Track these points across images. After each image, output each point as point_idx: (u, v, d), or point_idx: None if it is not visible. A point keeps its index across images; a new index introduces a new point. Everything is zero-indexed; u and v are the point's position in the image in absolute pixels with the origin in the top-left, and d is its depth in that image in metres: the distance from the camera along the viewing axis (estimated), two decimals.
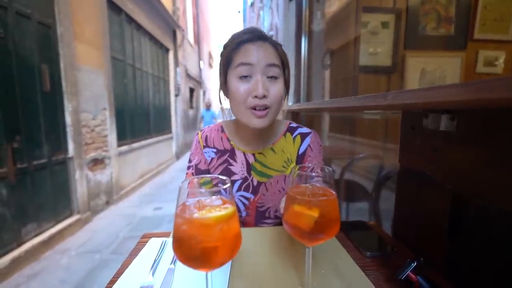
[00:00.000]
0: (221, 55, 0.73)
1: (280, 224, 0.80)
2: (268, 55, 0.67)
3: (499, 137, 0.46)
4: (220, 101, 0.76)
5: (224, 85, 0.73)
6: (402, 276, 0.48)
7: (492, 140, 0.47)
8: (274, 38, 0.77)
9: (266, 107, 0.67)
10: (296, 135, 0.81)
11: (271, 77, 0.67)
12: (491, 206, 0.48)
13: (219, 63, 0.74)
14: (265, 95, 0.66)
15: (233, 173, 0.80)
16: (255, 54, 0.66)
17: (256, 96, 0.65)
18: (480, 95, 0.33)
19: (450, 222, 0.54)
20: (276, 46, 0.70)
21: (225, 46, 0.72)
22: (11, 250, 2.18)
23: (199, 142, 0.82)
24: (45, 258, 2.38)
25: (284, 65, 0.71)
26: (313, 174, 0.44)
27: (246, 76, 0.67)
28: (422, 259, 0.48)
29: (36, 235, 2.45)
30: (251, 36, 0.68)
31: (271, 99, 0.67)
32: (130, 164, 4.48)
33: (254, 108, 0.67)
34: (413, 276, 0.47)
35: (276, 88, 0.68)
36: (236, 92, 0.68)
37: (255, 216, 0.80)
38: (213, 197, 0.37)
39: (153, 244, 0.67)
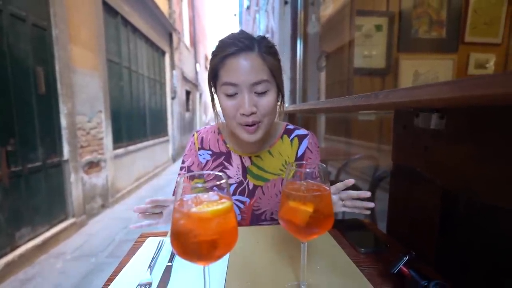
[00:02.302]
0: (210, 62, 0.70)
1: (277, 220, 0.81)
2: (254, 71, 0.63)
3: (486, 134, 0.48)
4: (213, 106, 0.75)
5: (214, 94, 0.72)
6: (395, 270, 0.49)
7: (479, 137, 0.49)
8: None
9: (255, 123, 0.66)
10: (293, 138, 0.80)
11: (259, 91, 0.65)
12: (479, 201, 0.50)
13: (208, 70, 0.72)
14: (253, 112, 0.64)
15: (228, 177, 0.79)
16: (239, 72, 0.63)
17: (243, 114, 0.64)
18: (464, 93, 0.34)
19: (441, 217, 0.55)
20: (264, 56, 0.64)
21: (213, 55, 0.68)
22: (4, 254, 2.15)
23: (194, 143, 0.81)
24: (39, 263, 2.35)
25: (274, 76, 0.66)
26: (308, 170, 0.45)
27: (233, 94, 0.65)
28: (414, 253, 0.49)
29: (30, 239, 2.42)
30: (236, 49, 0.63)
31: (260, 114, 0.65)
32: (126, 167, 4.46)
33: (245, 124, 0.66)
34: (405, 269, 0.48)
35: (266, 101, 0.65)
36: (224, 108, 0.67)
37: (251, 219, 0.80)
38: (210, 193, 0.38)
39: (151, 243, 0.68)
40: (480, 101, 0.36)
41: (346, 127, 2.15)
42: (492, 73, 1.65)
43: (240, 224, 0.81)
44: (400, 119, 0.69)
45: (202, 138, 0.82)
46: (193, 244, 0.34)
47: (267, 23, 4.48)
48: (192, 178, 0.42)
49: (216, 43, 0.69)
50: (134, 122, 4.99)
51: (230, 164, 0.79)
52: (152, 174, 5.69)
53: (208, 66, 0.71)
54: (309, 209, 0.42)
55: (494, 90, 0.31)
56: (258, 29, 6.40)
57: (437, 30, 1.69)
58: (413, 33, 1.68)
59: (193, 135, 0.83)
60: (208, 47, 17.66)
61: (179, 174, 0.82)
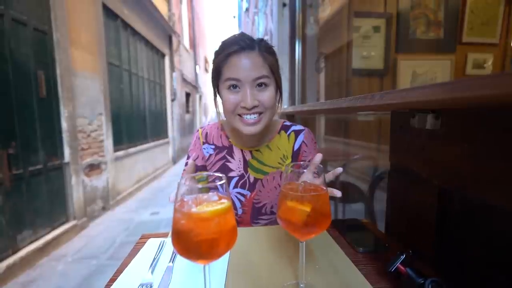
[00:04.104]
0: (213, 62, 0.75)
1: (276, 221, 0.82)
2: (255, 68, 0.68)
3: (480, 134, 0.49)
4: (216, 105, 0.79)
5: (217, 92, 0.76)
6: (392, 269, 0.50)
7: (473, 137, 0.50)
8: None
9: (259, 113, 0.70)
10: (290, 132, 0.84)
11: (260, 85, 0.69)
12: (474, 199, 0.51)
13: (211, 70, 0.76)
14: (255, 105, 0.69)
15: (230, 170, 0.82)
16: (242, 68, 0.67)
17: (245, 107, 0.68)
18: (456, 94, 0.35)
19: (438, 216, 0.56)
20: (264, 55, 0.69)
21: (216, 54, 0.73)
22: (6, 257, 2.15)
23: (199, 138, 0.86)
24: (40, 265, 2.35)
25: (273, 72, 0.71)
26: (305, 171, 0.46)
27: (235, 87, 0.69)
28: (410, 251, 0.50)
29: (31, 242, 2.43)
30: (238, 47, 0.68)
31: (262, 106, 0.70)
32: (127, 169, 4.47)
33: (245, 115, 0.70)
34: (402, 268, 0.49)
35: (266, 95, 0.70)
36: (226, 102, 0.71)
37: (251, 213, 0.82)
38: (210, 193, 0.39)
39: (152, 244, 0.69)
40: (473, 102, 0.37)
41: (345, 127, 2.16)
42: (490, 73, 1.67)
43: (241, 217, 0.83)
44: (396, 120, 0.70)
45: (207, 133, 0.86)
46: (194, 243, 0.35)
47: (266, 25, 4.50)
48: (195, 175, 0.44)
49: (219, 44, 0.74)
50: (135, 124, 5.01)
51: (232, 157, 0.83)
52: (153, 176, 5.69)
53: (211, 66, 0.76)
54: (307, 208, 0.43)
55: (486, 91, 0.32)
56: (257, 31, 6.42)
57: (435, 30, 1.70)
58: (411, 34, 1.69)
59: (198, 130, 0.87)
60: (208, 49, 17.70)
61: (184, 169, 0.85)
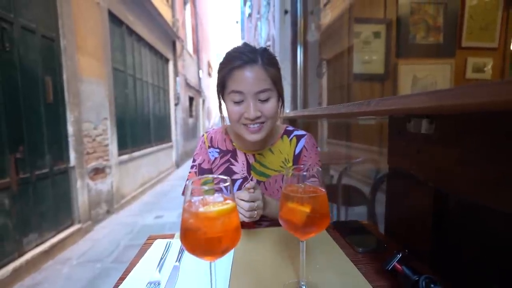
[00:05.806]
0: (218, 74, 0.78)
1: (278, 222, 0.84)
2: (258, 81, 0.71)
3: (471, 139, 0.51)
4: (220, 111, 0.83)
5: (222, 101, 0.80)
6: (389, 267, 0.52)
7: (466, 141, 0.52)
8: (270, 49, 0.80)
9: (261, 122, 0.74)
10: (292, 137, 0.87)
11: (263, 99, 0.73)
12: (467, 201, 0.53)
13: (216, 81, 0.80)
14: (257, 116, 0.72)
15: (234, 173, 0.85)
16: (245, 82, 0.71)
17: (248, 118, 0.72)
18: (445, 102, 0.38)
19: (433, 217, 0.58)
20: (266, 68, 0.72)
21: (221, 67, 0.76)
22: (12, 260, 2.19)
23: (204, 142, 0.89)
24: (46, 268, 2.39)
25: (276, 84, 0.74)
26: (305, 173, 0.49)
27: (239, 98, 0.73)
28: (407, 251, 0.52)
29: (37, 245, 2.46)
30: (241, 62, 0.71)
31: (265, 117, 0.74)
32: (131, 173, 4.51)
33: (249, 125, 0.74)
34: (398, 266, 0.51)
35: (269, 106, 0.73)
36: (231, 113, 0.75)
37: None
38: (216, 194, 0.42)
39: (159, 244, 0.71)
40: (471, 109, 0.39)
41: (347, 131, 2.19)
42: (490, 76, 1.69)
43: (244, 220, 0.85)
44: (394, 125, 0.73)
45: (211, 137, 0.89)
46: (201, 241, 0.38)
47: (268, 31, 4.56)
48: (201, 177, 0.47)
49: (223, 55, 0.77)
50: (139, 128, 5.07)
51: (236, 160, 0.86)
52: (156, 180, 5.74)
53: (216, 75, 0.79)
54: (306, 209, 0.46)
55: (484, 99, 0.33)
56: (260, 37, 6.49)
57: (434, 35, 1.72)
58: (411, 39, 1.72)
59: (203, 135, 0.91)
60: (211, 53, 17.87)
61: (190, 172, 0.89)
